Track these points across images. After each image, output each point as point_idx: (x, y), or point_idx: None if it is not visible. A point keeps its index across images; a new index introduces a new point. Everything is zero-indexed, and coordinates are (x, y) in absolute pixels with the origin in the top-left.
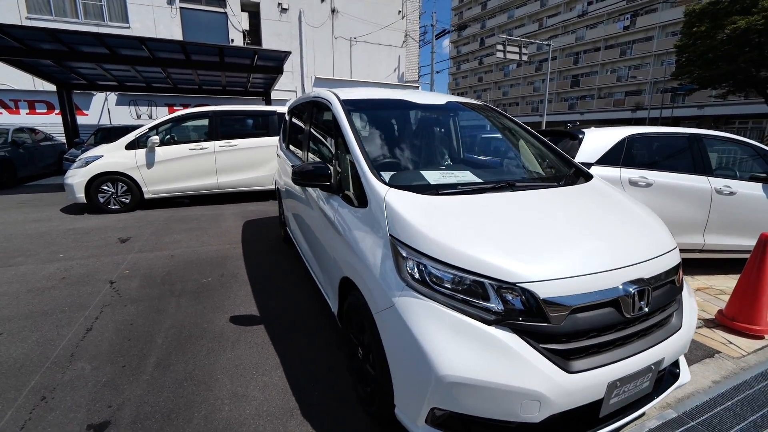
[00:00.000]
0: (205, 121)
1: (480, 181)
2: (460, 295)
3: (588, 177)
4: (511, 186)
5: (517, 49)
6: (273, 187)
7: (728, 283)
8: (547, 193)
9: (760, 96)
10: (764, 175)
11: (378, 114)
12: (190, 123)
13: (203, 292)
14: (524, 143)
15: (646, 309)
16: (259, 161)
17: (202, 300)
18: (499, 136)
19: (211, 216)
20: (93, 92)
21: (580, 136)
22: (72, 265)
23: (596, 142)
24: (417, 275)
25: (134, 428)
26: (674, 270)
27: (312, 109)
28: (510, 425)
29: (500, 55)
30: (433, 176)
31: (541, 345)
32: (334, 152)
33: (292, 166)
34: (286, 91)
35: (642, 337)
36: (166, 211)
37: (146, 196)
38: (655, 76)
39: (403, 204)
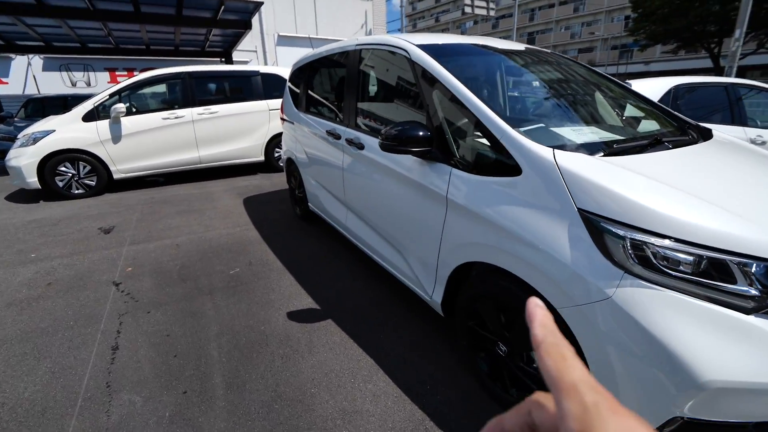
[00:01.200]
0: (177, 84)
1: (623, 137)
2: (704, 280)
3: (707, 132)
4: (660, 142)
5: (484, 3)
6: (261, 158)
7: None
8: (709, 150)
9: (704, 51)
10: None
11: (469, 62)
12: (157, 87)
13: (237, 286)
14: (620, 95)
15: None
16: (244, 130)
17: (242, 296)
18: (594, 87)
19: (201, 195)
20: (11, 55)
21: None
22: (54, 266)
23: (644, 93)
24: (640, 259)
25: None
26: None
27: (359, 62)
28: (747, 426)
29: (468, 9)
30: (567, 133)
31: None
32: (427, 110)
33: (381, 133)
34: (246, 51)
35: None
36: (143, 193)
37: (116, 176)
38: (606, 33)
39: (589, 169)
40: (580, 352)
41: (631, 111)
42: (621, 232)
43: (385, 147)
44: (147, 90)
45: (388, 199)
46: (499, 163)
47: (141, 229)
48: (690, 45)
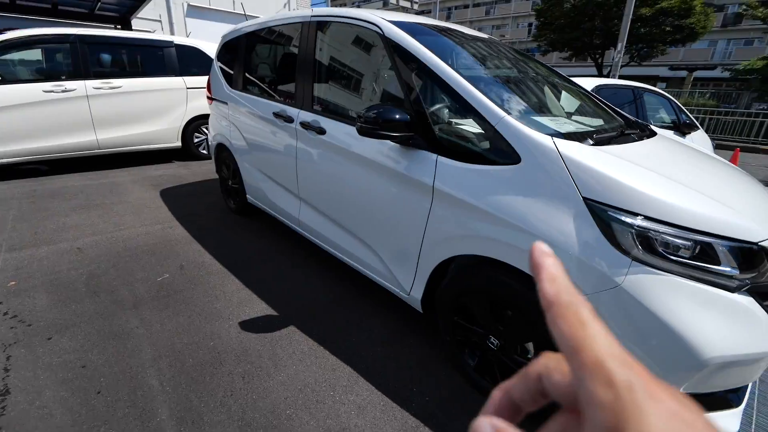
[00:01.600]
0: (64, 49)
1: (594, 128)
2: (697, 263)
3: (650, 128)
4: (625, 135)
5: None
6: (177, 144)
7: None
8: (665, 144)
9: (591, 60)
10: (672, 123)
11: (443, 43)
12: (33, 52)
13: (170, 295)
14: (573, 91)
15: None
16: (157, 110)
17: (178, 307)
18: (549, 80)
19: (102, 187)
20: None
21: None
22: None
23: None
24: (645, 245)
25: None
26: None
27: (315, 36)
28: (719, 392)
29: (393, 1)
30: (546, 122)
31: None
32: (406, 93)
33: (360, 115)
34: (147, 20)
35: None
36: (18, 185)
37: None
38: (513, 37)
39: (591, 158)
40: None
41: (580, 105)
42: (629, 221)
43: (364, 131)
44: (18, 54)
45: (357, 190)
46: (495, 150)
47: (22, 230)
48: (580, 54)
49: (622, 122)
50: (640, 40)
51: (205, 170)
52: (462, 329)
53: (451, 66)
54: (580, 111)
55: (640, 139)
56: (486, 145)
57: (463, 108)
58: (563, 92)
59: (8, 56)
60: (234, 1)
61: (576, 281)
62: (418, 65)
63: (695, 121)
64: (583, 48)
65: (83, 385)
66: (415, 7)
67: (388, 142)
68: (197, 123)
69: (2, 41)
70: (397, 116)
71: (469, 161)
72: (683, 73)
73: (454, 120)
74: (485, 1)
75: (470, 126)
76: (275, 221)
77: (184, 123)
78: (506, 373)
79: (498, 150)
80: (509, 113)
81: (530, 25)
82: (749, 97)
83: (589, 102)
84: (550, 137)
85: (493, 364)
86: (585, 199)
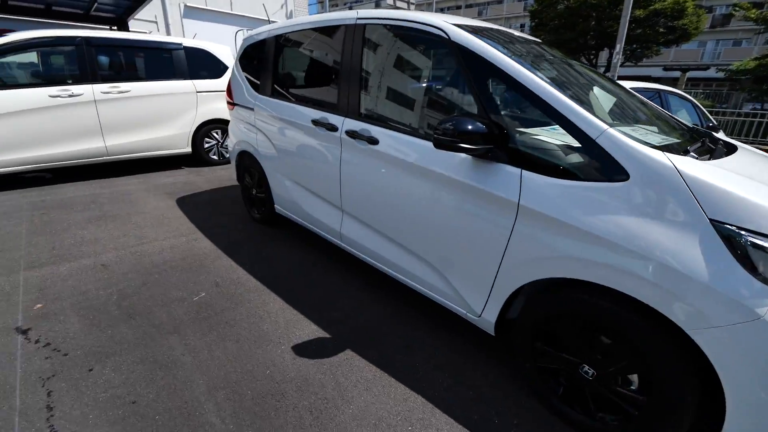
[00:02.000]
0: (69, 53)
1: (678, 140)
2: None
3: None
4: (712, 148)
5: None
6: (187, 150)
7: None
8: (756, 157)
9: (585, 60)
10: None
11: (512, 49)
12: (36, 55)
13: (211, 316)
14: (631, 98)
15: None
16: (167, 115)
17: (223, 331)
18: (605, 88)
19: (114, 196)
20: None
21: None
22: None
23: None
24: None
25: None
26: None
27: (362, 40)
28: None
29: (390, 1)
30: (631, 132)
31: None
32: (480, 102)
33: (436, 127)
34: (143, 21)
35: None
36: (27, 194)
37: None
38: None
39: (712, 175)
40: (713, 378)
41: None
42: None
43: (441, 143)
44: (20, 57)
45: (418, 204)
46: (594, 166)
47: (39, 245)
48: (574, 54)
49: (685, 130)
50: (635, 41)
51: (218, 176)
52: (546, 356)
53: (531, 72)
54: (635, 117)
55: (729, 151)
56: (581, 159)
57: (554, 119)
58: (617, 97)
59: (11, 59)
60: (231, 2)
61: (706, 311)
62: (495, 72)
63: (716, 123)
64: (578, 49)
65: (137, 424)
66: (412, 8)
67: (459, 153)
68: (207, 128)
69: (4, 44)
70: (475, 127)
71: (558, 176)
72: (676, 74)
73: (537, 131)
74: (478, 2)
75: (557, 138)
76: (303, 231)
77: (194, 128)
78: (601, 403)
79: (599, 165)
80: (610, 125)
81: (522, 26)
82: (741, 98)
83: (647, 109)
84: (662, 152)
85: (585, 394)
86: (712, 221)
